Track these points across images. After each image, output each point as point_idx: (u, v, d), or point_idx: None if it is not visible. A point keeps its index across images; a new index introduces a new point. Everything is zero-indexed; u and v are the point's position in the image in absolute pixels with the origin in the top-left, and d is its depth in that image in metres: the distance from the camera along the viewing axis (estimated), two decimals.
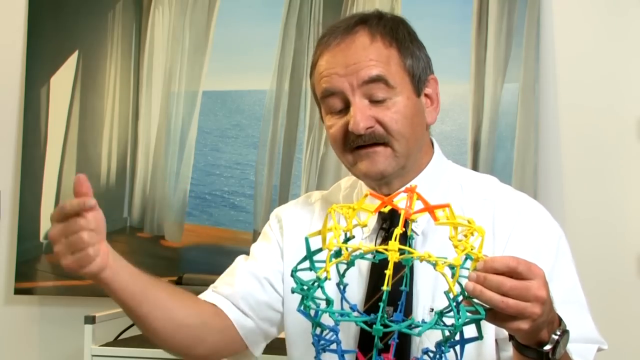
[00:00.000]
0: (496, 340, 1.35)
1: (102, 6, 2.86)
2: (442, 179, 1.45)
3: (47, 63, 2.88)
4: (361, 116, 1.34)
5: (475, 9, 2.53)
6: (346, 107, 1.37)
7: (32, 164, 2.86)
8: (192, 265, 2.66)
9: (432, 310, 1.34)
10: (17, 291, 2.85)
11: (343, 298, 1.12)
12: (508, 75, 2.49)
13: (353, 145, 1.37)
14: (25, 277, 2.84)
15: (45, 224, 2.83)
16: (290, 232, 1.50)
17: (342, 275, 1.12)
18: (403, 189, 1.13)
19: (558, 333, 1.14)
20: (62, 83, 2.87)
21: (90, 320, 2.38)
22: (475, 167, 2.48)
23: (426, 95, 1.43)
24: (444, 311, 1.05)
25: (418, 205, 1.10)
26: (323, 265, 1.06)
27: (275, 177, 2.68)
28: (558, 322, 1.16)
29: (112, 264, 1.26)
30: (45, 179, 2.85)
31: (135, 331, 2.55)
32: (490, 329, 1.30)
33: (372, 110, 1.36)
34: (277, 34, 2.70)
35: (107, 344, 2.43)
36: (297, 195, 2.63)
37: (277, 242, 1.51)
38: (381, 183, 1.41)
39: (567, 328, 1.17)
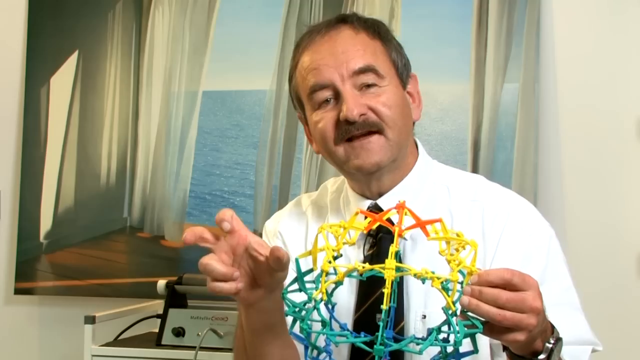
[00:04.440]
0: (490, 345, 1.34)
1: (102, 6, 2.86)
2: (428, 181, 1.43)
3: (47, 63, 2.88)
4: (354, 102, 1.33)
5: (475, 9, 2.53)
6: (335, 98, 1.35)
7: (32, 164, 2.86)
8: (192, 265, 2.64)
9: (424, 317, 1.33)
10: (17, 291, 2.85)
11: (332, 317, 1.10)
12: (508, 75, 2.49)
13: (346, 135, 1.34)
14: (25, 277, 2.84)
15: (45, 224, 2.84)
16: (292, 248, 1.47)
17: (329, 295, 1.10)
18: (394, 205, 1.12)
19: (552, 341, 1.13)
20: (62, 83, 2.87)
21: (90, 320, 2.37)
22: (475, 167, 2.48)
23: (408, 93, 1.43)
24: (440, 326, 1.03)
25: (407, 219, 1.08)
26: (312, 285, 1.05)
27: (275, 177, 2.68)
28: (551, 330, 1.15)
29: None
30: (45, 179, 2.85)
31: (135, 331, 2.56)
32: (484, 336, 1.29)
33: (364, 98, 1.34)
34: (277, 34, 2.70)
35: (107, 344, 2.43)
36: (297, 196, 2.63)
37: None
38: (372, 178, 1.39)
39: (560, 332, 1.16)
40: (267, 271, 1.14)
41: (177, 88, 2.79)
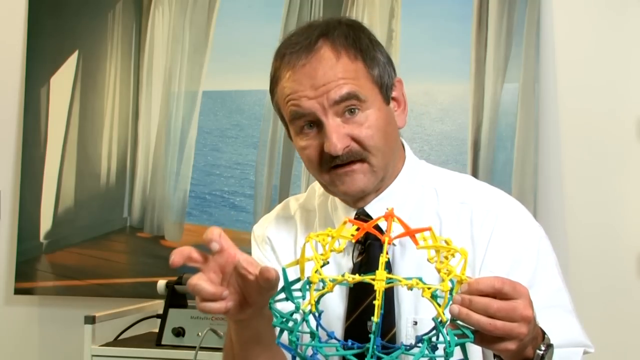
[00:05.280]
0: (483, 352, 1.34)
1: (102, 6, 2.86)
2: (416, 184, 1.41)
3: (47, 63, 2.88)
4: (337, 137, 1.31)
5: (475, 9, 2.53)
6: (317, 125, 1.34)
7: (32, 164, 2.86)
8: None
9: (415, 323, 1.32)
10: (17, 291, 2.85)
11: (319, 325, 1.08)
12: (508, 75, 2.49)
13: (330, 165, 1.34)
14: (25, 277, 2.84)
15: (45, 224, 2.84)
16: (281, 254, 1.47)
17: (317, 303, 1.09)
18: (382, 211, 1.10)
19: (543, 348, 1.13)
20: (62, 83, 2.87)
21: (90, 320, 2.38)
22: (475, 167, 2.48)
23: (394, 99, 1.40)
24: (431, 336, 1.02)
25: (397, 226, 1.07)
26: (300, 293, 1.04)
27: (275, 177, 2.68)
28: (542, 337, 1.14)
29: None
30: (45, 179, 2.85)
31: (135, 331, 2.56)
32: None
33: (346, 128, 1.32)
34: (277, 34, 2.70)
35: (107, 344, 2.43)
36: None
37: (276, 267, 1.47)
38: (357, 199, 1.38)
39: (551, 335, 1.15)
40: (256, 289, 1.14)
41: (177, 88, 2.79)
